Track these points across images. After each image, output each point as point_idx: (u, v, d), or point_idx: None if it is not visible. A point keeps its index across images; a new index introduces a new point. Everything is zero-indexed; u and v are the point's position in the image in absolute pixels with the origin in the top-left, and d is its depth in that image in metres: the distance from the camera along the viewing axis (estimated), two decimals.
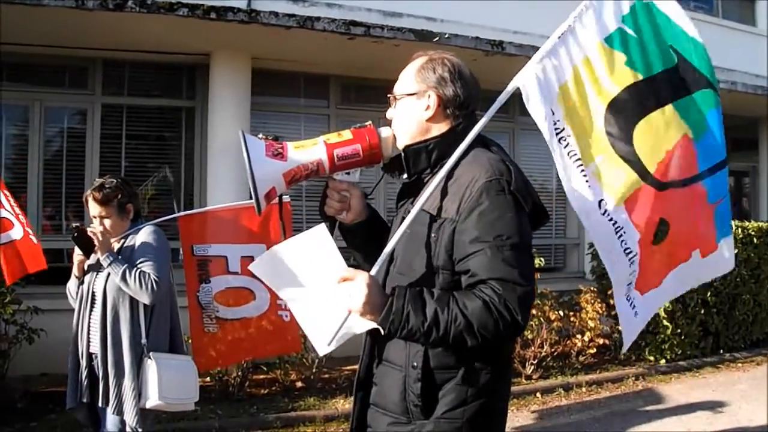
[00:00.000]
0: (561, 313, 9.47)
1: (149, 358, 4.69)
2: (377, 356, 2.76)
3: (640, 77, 2.94)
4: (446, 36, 9.89)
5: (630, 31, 2.99)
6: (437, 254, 2.57)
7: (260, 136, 2.62)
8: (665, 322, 10.15)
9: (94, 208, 4.81)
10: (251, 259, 5.40)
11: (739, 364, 10.70)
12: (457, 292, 2.48)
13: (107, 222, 4.81)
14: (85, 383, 4.80)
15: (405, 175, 2.83)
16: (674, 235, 3.05)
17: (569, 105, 2.84)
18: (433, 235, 2.58)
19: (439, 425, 2.56)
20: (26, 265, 6.69)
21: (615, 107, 2.89)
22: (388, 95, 2.83)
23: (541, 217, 2.74)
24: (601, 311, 9.81)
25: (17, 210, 6.60)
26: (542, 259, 9.88)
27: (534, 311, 9.25)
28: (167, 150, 11.03)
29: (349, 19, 9.68)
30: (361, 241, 2.98)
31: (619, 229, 2.89)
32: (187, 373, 4.96)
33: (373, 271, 2.54)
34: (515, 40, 11.19)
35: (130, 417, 4.64)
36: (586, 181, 2.84)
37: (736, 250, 10.51)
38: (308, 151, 2.66)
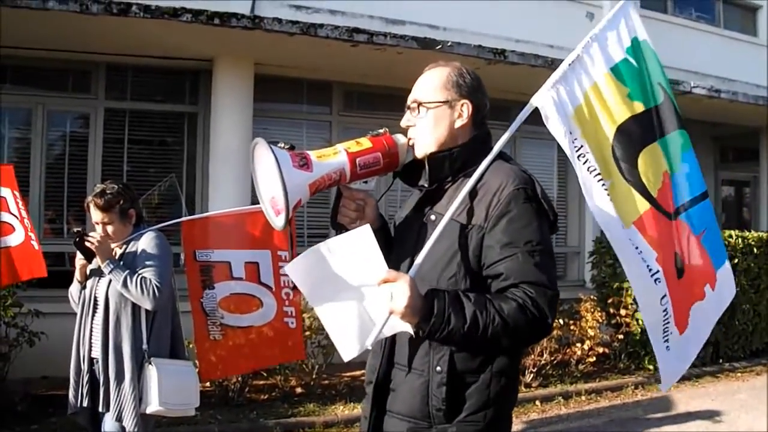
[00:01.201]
0: (561, 321, 9.47)
1: (150, 363, 4.69)
2: (396, 362, 2.77)
3: (641, 109, 3.07)
4: (449, 44, 9.92)
5: (633, 62, 3.13)
6: (465, 260, 2.62)
7: (280, 145, 2.58)
8: None
9: (96, 215, 4.81)
10: (255, 264, 5.43)
11: (739, 374, 10.71)
12: (491, 295, 2.55)
13: (110, 228, 4.82)
14: (86, 388, 4.80)
15: (421, 182, 2.85)
16: (688, 269, 3.15)
17: (584, 126, 2.93)
18: (461, 241, 2.63)
19: (461, 428, 2.61)
20: (19, 271, 6.67)
21: (622, 133, 3.00)
22: (412, 103, 2.83)
23: (554, 225, 2.81)
24: (600, 320, 9.82)
25: (23, 214, 6.59)
26: None
27: None
28: (170, 155, 11.04)
29: (352, 26, 9.71)
30: None
31: (636, 247, 2.97)
32: (188, 378, 4.96)
33: (411, 274, 2.54)
34: (517, 48, 11.22)
35: (130, 422, 4.64)
36: (608, 195, 2.92)
37: (736, 260, 10.55)
38: (331, 160, 2.66)
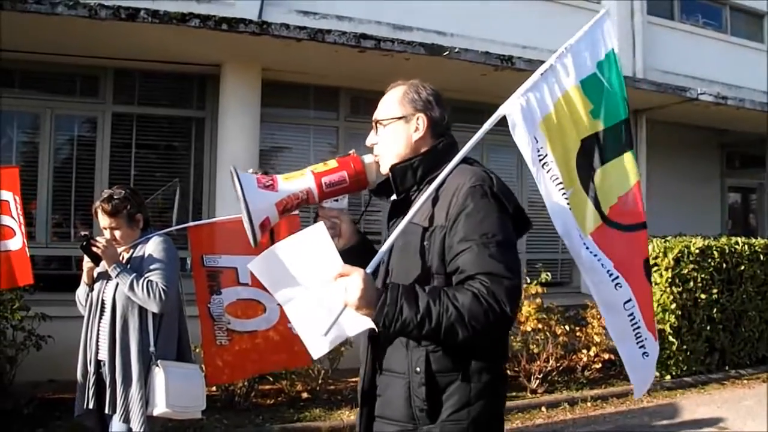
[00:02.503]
0: (567, 327, 9.47)
1: (157, 365, 4.71)
2: (379, 367, 2.84)
3: (601, 128, 3.19)
4: (456, 50, 9.94)
5: (601, 78, 3.24)
6: (431, 261, 2.71)
7: (251, 171, 2.76)
8: (671, 338, 10.15)
9: (103, 220, 4.85)
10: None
11: (745, 381, 10.68)
12: (447, 287, 2.63)
13: (117, 233, 4.85)
14: (93, 390, 4.81)
15: (393, 196, 2.97)
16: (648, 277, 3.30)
17: (551, 135, 3.03)
18: (425, 243, 2.73)
19: (445, 428, 2.66)
20: (17, 277, 6.68)
21: (584, 147, 3.13)
22: (373, 122, 2.99)
23: (525, 224, 2.91)
24: (606, 326, 9.80)
25: (22, 219, 6.60)
26: (548, 274, 9.91)
27: (540, 326, 9.27)
28: (177, 160, 11.07)
29: (359, 32, 9.75)
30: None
31: (594, 255, 3.08)
32: (195, 381, 4.98)
33: (368, 270, 2.62)
34: (524, 55, 11.24)
35: (137, 424, 4.66)
36: (567, 204, 3.04)
37: (743, 267, 10.55)
38: (297, 181, 2.80)
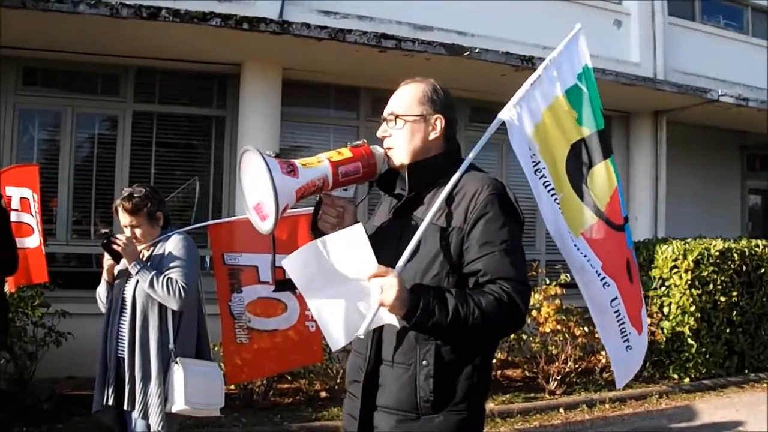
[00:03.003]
0: (586, 329, 9.42)
1: (176, 363, 4.73)
2: (383, 359, 2.89)
3: (587, 133, 3.42)
4: (476, 51, 9.93)
5: (584, 88, 3.46)
6: (448, 260, 2.81)
7: (268, 153, 2.69)
8: (690, 341, 10.11)
9: (124, 218, 4.87)
10: (281, 269, 5.45)
11: (765, 385, 10.60)
12: (470, 290, 2.74)
13: (138, 231, 4.87)
14: (112, 387, 4.83)
15: (398, 191, 3.05)
16: (635, 275, 3.58)
17: (542, 142, 3.25)
18: (443, 243, 2.81)
19: (447, 417, 2.79)
20: (32, 274, 6.72)
21: (573, 153, 3.36)
22: (389, 115, 3.01)
23: (521, 227, 3.02)
24: None
25: (39, 218, 6.63)
26: (567, 275, 9.86)
27: (559, 327, 9.25)
28: (197, 158, 11.10)
29: (380, 32, 9.76)
30: None
31: (584, 255, 3.32)
32: (213, 378, 5.00)
33: (397, 271, 2.67)
34: (544, 55, 11.08)
35: (155, 421, 4.68)
36: (559, 208, 3.28)
37: (763, 270, 10.50)
38: (315, 168, 2.78)
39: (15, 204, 6.64)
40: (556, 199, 3.27)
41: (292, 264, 2.71)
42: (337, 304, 2.73)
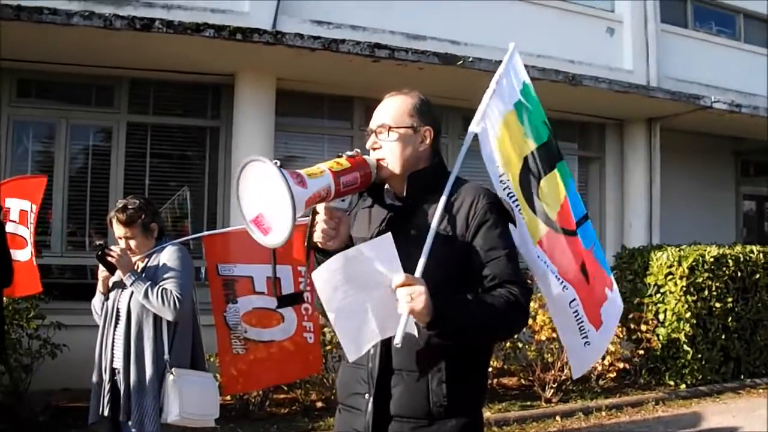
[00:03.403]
0: None
1: (171, 373, 4.74)
2: (394, 368, 2.90)
3: (534, 147, 3.60)
4: (470, 60, 9.94)
5: (526, 103, 3.65)
6: (453, 265, 2.87)
7: (275, 162, 2.62)
8: (686, 347, 10.12)
9: (118, 230, 4.88)
10: (277, 279, 5.46)
11: (761, 390, 10.63)
12: (487, 294, 2.83)
13: (132, 242, 4.89)
14: (107, 398, 4.84)
15: (389, 201, 3.09)
16: (591, 275, 3.73)
17: (502, 155, 3.49)
18: (447, 249, 2.86)
19: (459, 421, 2.86)
20: (24, 287, 6.68)
21: (524, 166, 3.58)
22: (380, 127, 3.02)
23: None
24: (621, 335, 9.78)
25: (33, 230, 6.61)
26: None
27: (554, 335, 9.23)
28: (191, 169, 11.11)
29: (373, 42, 9.78)
30: None
31: (544, 262, 3.57)
32: (208, 389, 5.00)
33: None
34: (538, 64, 11.23)
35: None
36: (523, 218, 3.53)
37: (758, 276, 10.52)
38: (320, 179, 2.74)
39: (14, 215, 6.62)
40: (519, 208, 3.51)
41: (320, 275, 2.68)
42: (357, 314, 2.72)
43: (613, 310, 3.88)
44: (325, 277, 2.67)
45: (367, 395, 2.92)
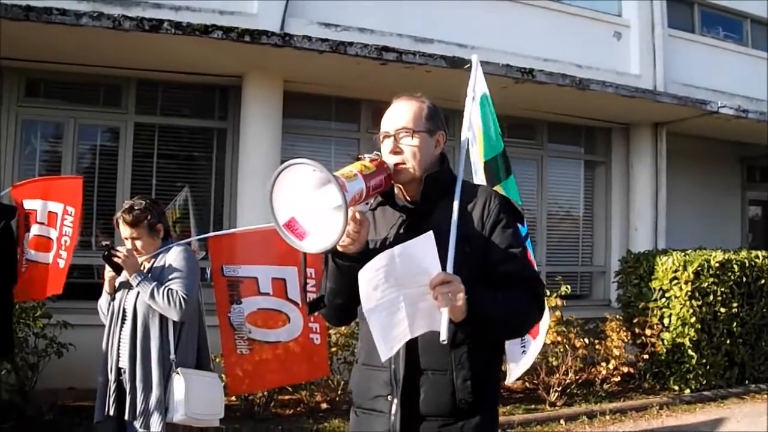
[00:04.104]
0: (586, 340, 9.45)
1: (177, 373, 4.77)
2: (422, 368, 2.93)
3: (490, 156, 3.89)
4: None
5: (488, 114, 3.94)
6: (471, 263, 2.91)
7: (320, 165, 2.60)
8: (690, 352, 10.12)
9: (125, 230, 4.92)
10: (282, 281, 5.49)
11: (765, 396, 10.60)
12: (508, 291, 2.91)
13: (138, 243, 4.92)
14: (113, 397, 4.87)
15: (402, 203, 3.12)
16: None
17: (478, 161, 3.80)
18: (466, 248, 2.92)
19: (483, 418, 2.94)
20: (36, 290, 6.65)
21: (487, 168, 3.94)
22: (401, 130, 3.04)
23: None
24: (626, 339, 9.79)
25: (71, 232, 6.49)
26: (568, 286, 9.90)
27: (559, 338, 9.26)
28: (198, 170, 11.12)
29: (381, 45, 9.79)
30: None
31: None
32: (214, 389, 5.03)
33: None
34: (545, 67, 11.27)
35: (157, 431, 4.71)
36: None
37: (763, 281, 10.51)
38: (354, 182, 2.75)
39: (41, 217, 6.55)
40: None
41: (365, 274, 2.68)
42: (391, 313, 2.74)
43: (546, 317, 4.06)
44: (370, 276, 2.68)
45: (390, 397, 2.93)
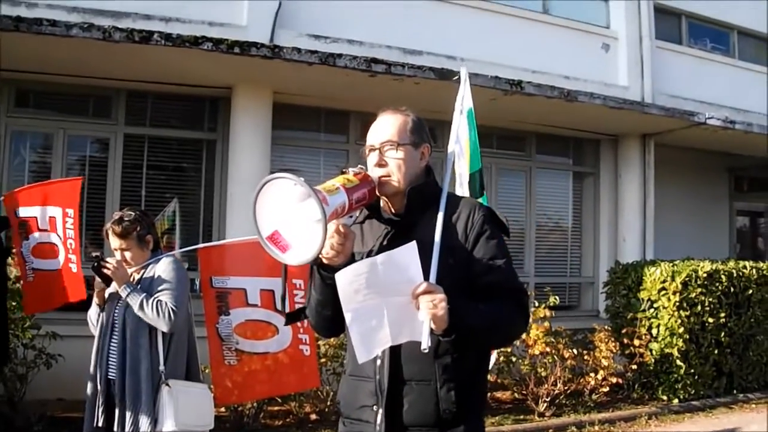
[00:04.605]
0: (575, 351, 9.48)
1: (166, 385, 4.78)
2: (405, 379, 2.94)
3: (472, 170, 4.00)
4: None
5: (471, 128, 4.02)
6: (455, 275, 2.91)
7: (301, 179, 2.63)
8: (679, 362, 10.15)
9: (114, 241, 4.93)
10: (271, 292, 5.49)
11: (753, 405, 10.66)
12: (493, 302, 2.92)
13: (128, 254, 4.93)
14: (102, 409, 4.86)
15: (388, 216, 3.12)
16: None
17: (463, 174, 3.85)
18: (450, 260, 2.92)
19: (468, 426, 2.96)
20: (53, 298, 6.55)
21: (471, 184, 4.01)
22: (386, 143, 3.07)
23: None
24: (614, 350, 9.82)
25: (72, 234, 6.35)
26: (557, 297, 9.93)
27: (548, 349, 9.28)
28: (187, 181, 11.12)
29: (370, 57, 9.81)
30: None
31: None
32: (203, 400, 5.04)
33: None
34: (534, 79, 11.31)
35: None
36: None
37: (751, 291, 10.56)
38: (337, 195, 2.76)
39: (42, 224, 6.43)
40: None
41: (344, 276, 2.71)
42: (372, 318, 2.76)
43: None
44: (350, 279, 2.71)
45: (375, 407, 2.95)
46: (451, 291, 2.78)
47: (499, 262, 2.97)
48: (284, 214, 2.68)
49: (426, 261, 2.78)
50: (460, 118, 3.72)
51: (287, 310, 3.33)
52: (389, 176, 3.03)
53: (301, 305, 3.73)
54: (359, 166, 3.04)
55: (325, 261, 2.86)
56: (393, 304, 2.73)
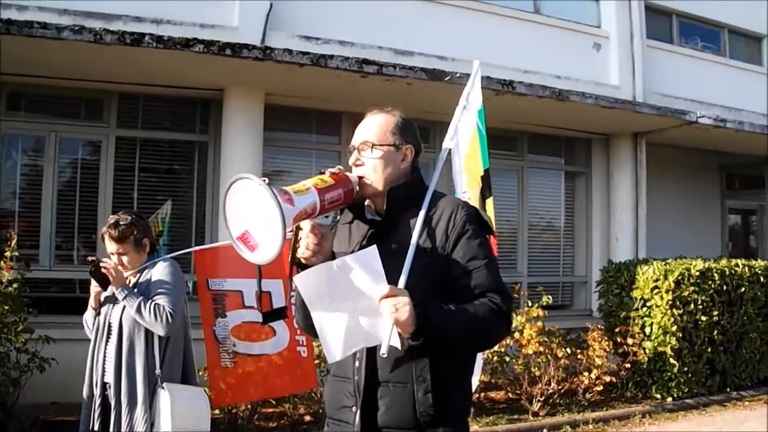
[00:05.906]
0: (568, 350, 9.48)
1: (162, 388, 4.76)
2: (380, 380, 2.92)
3: (483, 169, 3.87)
4: (457, 75, 9.97)
5: (481, 127, 3.90)
6: (434, 277, 2.92)
7: (263, 180, 2.68)
8: (672, 360, 10.16)
9: (110, 246, 4.91)
10: (267, 293, 5.48)
11: (746, 403, 10.68)
12: (469, 304, 2.87)
13: (125, 258, 4.91)
14: (98, 412, 4.85)
15: (370, 217, 3.12)
16: None
17: (469, 173, 3.73)
18: (428, 260, 2.92)
19: (447, 428, 2.91)
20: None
21: (482, 183, 3.87)
22: (363, 144, 3.08)
23: None
24: (608, 349, 9.82)
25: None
26: (550, 297, 9.94)
27: (541, 349, 9.28)
28: (179, 183, 11.11)
29: (361, 57, 9.81)
30: None
31: None
32: (199, 403, 5.02)
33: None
34: (525, 79, 11.32)
35: None
36: None
37: (743, 289, 10.58)
38: (306, 195, 2.79)
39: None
40: None
41: (304, 280, 2.74)
42: (341, 320, 2.77)
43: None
44: (310, 283, 2.74)
45: (354, 408, 2.94)
46: (426, 293, 2.80)
47: (480, 263, 2.93)
48: (253, 214, 2.69)
49: (404, 262, 2.83)
50: (463, 113, 3.61)
51: (263, 309, 3.34)
52: (365, 177, 3.05)
53: (281, 306, 3.70)
54: (338, 167, 3.03)
55: (303, 261, 2.87)
56: (362, 309, 2.74)
